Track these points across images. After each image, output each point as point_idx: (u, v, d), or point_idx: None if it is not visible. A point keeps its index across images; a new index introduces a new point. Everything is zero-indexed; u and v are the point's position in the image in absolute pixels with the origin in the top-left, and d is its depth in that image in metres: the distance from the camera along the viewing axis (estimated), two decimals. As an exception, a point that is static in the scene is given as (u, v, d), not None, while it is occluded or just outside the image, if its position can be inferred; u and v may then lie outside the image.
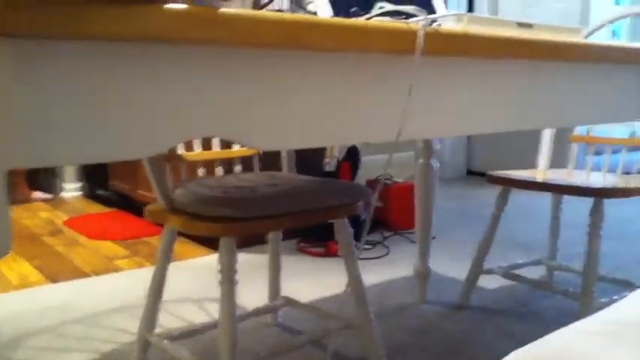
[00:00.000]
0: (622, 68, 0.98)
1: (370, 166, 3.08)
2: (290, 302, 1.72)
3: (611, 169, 1.95)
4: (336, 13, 0.89)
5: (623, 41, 5.71)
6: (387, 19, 0.65)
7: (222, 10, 0.51)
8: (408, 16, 0.70)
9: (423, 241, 1.97)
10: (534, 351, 0.61)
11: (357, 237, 2.71)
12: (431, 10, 1.11)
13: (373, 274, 2.29)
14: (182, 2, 0.51)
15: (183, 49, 0.53)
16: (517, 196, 3.54)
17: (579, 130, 2.05)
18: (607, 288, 2.02)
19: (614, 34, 5.24)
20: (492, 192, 1.90)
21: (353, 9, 0.80)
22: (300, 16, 0.57)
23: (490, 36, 0.66)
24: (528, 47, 0.69)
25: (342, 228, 1.40)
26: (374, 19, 0.66)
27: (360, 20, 0.61)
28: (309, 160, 2.36)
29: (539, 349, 0.61)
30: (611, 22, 1.88)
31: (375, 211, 2.89)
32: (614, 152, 2.31)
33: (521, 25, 0.80)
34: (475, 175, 4.58)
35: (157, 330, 1.46)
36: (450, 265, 2.39)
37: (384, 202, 2.86)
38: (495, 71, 0.73)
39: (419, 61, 0.60)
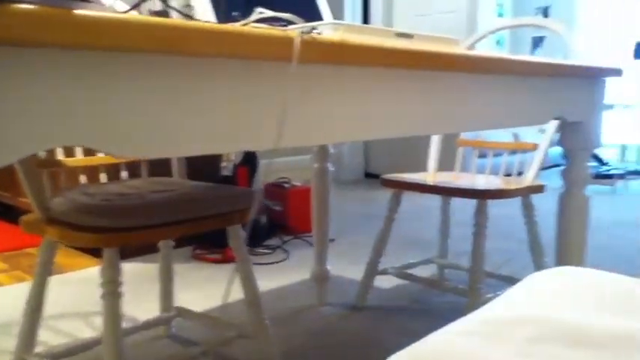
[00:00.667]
0: (503, 78, 1.03)
1: (269, 170, 3.07)
2: (183, 312, 1.67)
3: (496, 172, 2.06)
4: (219, 18, 0.86)
5: (504, 51, 6.10)
6: (264, 25, 0.64)
7: (79, 11, 0.47)
8: (288, 23, 0.70)
9: (321, 244, 1.98)
10: (414, 352, 0.62)
11: (257, 242, 2.69)
12: (318, 17, 1.11)
13: (272, 279, 2.28)
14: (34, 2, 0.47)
15: (34, 51, 0.48)
16: (413, 197, 3.68)
17: (466, 135, 2.16)
18: (494, 284, 2.13)
19: (498, 43, 5.58)
20: (390, 194, 1.94)
21: (234, 13, 0.78)
22: (169, 20, 0.55)
23: (366, 45, 0.67)
24: (404, 57, 0.71)
25: (236, 234, 1.37)
26: (251, 25, 0.65)
27: (236, 26, 0.59)
28: (205, 164, 2.30)
29: (419, 350, 0.62)
30: (492, 32, 1.99)
31: (274, 215, 2.88)
32: (499, 155, 2.45)
33: (400, 35, 0.82)
34: (373, 177, 4.70)
35: (39, 349, 1.36)
36: (349, 266, 2.43)
37: (282, 206, 2.86)
38: (374, 80, 0.74)
39: (296, 69, 0.60)
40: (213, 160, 2.41)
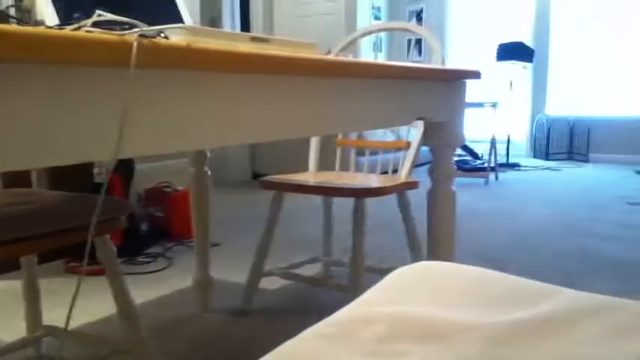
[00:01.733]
0: (363, 82, 1.05)
1: (148, 174, 2.95)
2: (52, 331, 1.56)
3: (383, 169, 2.13)
4: (62, 20, 0.81)
5: (381, 53, 6.33)
6: (98, 29, 0.60)
7: None
8: (131, 26, 0.66)
9: (202, 250, 1.94)
10: (275, 356, 0.61)
11: (137, 251, 2.58)
12: (179, 20, 1.08)
13: (154, 288, 2.19)
14: None
15: None
16: (299, 197, 3.72)
17: (346, 135, 2.20)
18: (376, 278, 2.20)
19: (376, 46, 5.79)
20: (283, 195, 1.93)
21: (76, 15, 0.73)
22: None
23: (213, 50, 0.65)
24: (253, 61, 0.70)
25: (103, 246, 1.30)
26: (85, 29, 0.61)
27: (66, 31, 0.55)
28: (76, 172, 2.17)
29: (279, 354, 0.61)
30: (362, 36, 2.05)
31: (155, 222, 2.78)
32: (382, 154, 2.52)
33: (255, 39, 0.81)
34: (262, 177, 4.68)
35: None
36: (236, 270, 2.40)
37: (164, 212, 2.76)
38: (225, 85, 0.73)
39: (134, 75, 0.57)
40: (84, 168, 2.28)
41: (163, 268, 2.42)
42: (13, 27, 0.47)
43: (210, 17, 4.12)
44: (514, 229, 3.15)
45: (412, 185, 1.93)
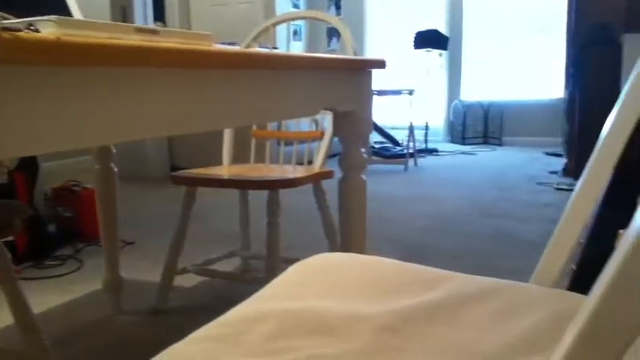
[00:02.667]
0: (263, 73, 1.03)
1: (56, 173, 2.80)
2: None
3: (296, 160, 2.11)
4: None
5: (301, 42, 6.31)
6: None
7: None
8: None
9: (111, 250, 1.86)
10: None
11: (45, 254, 2.45)
12: (66, 14, 1.01)
13: (64, 292, 2.09)
14: None
15: None
16: (215, 191, 3.65)
17: (261, 126, 2.18)
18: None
19: (296, 34, 5.77)
20: (199, 189, 1.88)
21: None
22: None
23: (85, 43, 0.61)
24: (132, 54, 0.66)
25: (-6, 253, 1.22)
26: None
27: None
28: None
29: (161, 359, 0.59)
30: (274, 25, 2.02)
31: (64, 222, 2.65)
32: (301, 143, 2.51)
33: (141, 30, 0.77)
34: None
35: None
36: (152, 269, 2.32)
37: (73, 212, 2.64)
38: (104, 79, 0.69)
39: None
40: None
41: (73, 271, 2.31)
42: None
43: (120, 8, 3.96)
44: (430, 213, 3.24)
45: (326, 175, 1.94)
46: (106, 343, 1.69)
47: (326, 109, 1.35)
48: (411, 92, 4.91)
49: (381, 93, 4.95)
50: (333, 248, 2.03)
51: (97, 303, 1.99)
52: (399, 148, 5.69)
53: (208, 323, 0.65)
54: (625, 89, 0.73)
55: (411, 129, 5.02)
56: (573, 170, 4.12)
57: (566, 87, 5.04)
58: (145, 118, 0.76)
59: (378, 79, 7.23)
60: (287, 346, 0.58)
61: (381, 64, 1.52)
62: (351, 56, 1.33)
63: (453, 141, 6.81)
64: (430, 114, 6.58)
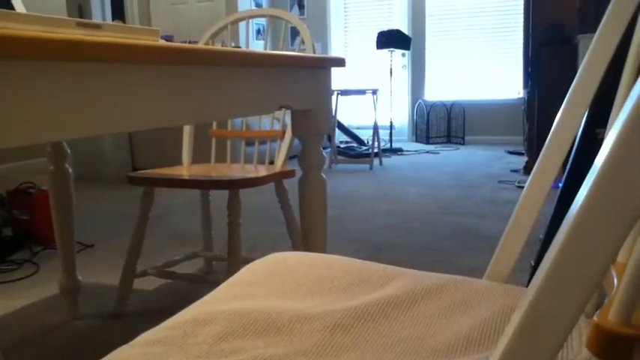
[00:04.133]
0: (212, 69, 1.01)
1: (10, 175, 2.72)
2: None
3: (258, 160, 2.09)
4: None
5: (263, 42, 6.29)
6: None
7: None
8: None
9: (67, 253, 1.81)
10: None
11: (1, 258, 2.38)
12: (10, 7, 0.98)
13: (20, 297, 2.03)
14: None
15: None
16: (177, 191, 3.60)
17: (220, 125, 2.15)
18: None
19: (259, 32, 5.74)
20: (159, 190, 1.84)
21: None
22: None
23: (15, 36, 0.59)
24: (73, 49, 0.64)
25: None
26: None
27: None
28: None
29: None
30: (233, 22, 2.00)
31: (20, 225, 2.57)
32: (261, 144, 2.49)
33: (82, 24, 0.74)
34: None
35: None
36: (110, 272, 2.28)
37: (29, 215, 2.56)
38: (48, 73, 0.66)
39: None
40: None
41: (30, 275, 2.24)
42: None
43: (77, 6, 3.87)
44: (394, 212, 3.26)
45: (288, 174, 1.93)
46: (63, 349, 1.64)
47: (282, 107, 1.34)
48: (374, 92, 4.93)
49: (344, 93, 4.96)
50: (296, 247, 2.02)
51: (54, 307, 1.93)
52: (364, 147, 5.72)
53: (156, 326, 0.63)
54: (572, 85, 0.74)
55: (376, 128, 5.05)
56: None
57: (525, 86, 5.15)
58: (81, 114, 0.73)
59: (343, 79, 7.24)
60: (235, 348, 0.57)
61: (340, 61, 1.52)
62: (307, 55, 1.32)
63: (417, 140, 6.88)
64: (394, 113, 6.63)
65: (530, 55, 4.72)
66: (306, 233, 1.54)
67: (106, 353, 1.68)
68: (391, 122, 6.14)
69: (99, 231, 2.88)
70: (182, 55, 0.84)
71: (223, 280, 1.78)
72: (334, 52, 7.08)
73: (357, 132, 6.15)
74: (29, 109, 0.63)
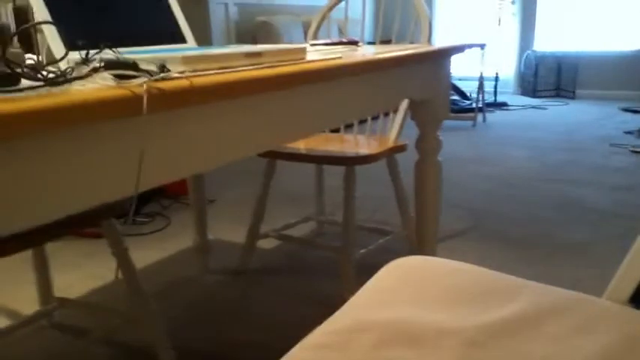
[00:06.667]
0: (354, 78, 1.11)
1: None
2: (64, 303, 1.66)
3: (363, 130, 2.18)
4: (67, 41, 0.85)
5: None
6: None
7: None
8: (137, 69, 0.71)
9: (199, 212, 2.02)
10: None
11: (135, 211, 2.66)
12: (178, 34, 1.11)
13: (154, 249, 2.29)
14: None
15: None
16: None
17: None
18: (365, 236, 2.31)
19: None
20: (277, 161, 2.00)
21: (80, 42, 0.77)
22: None
23: (216, 83, 0.71)
24: (255, 84, 0.77)
25: (107, 223, 1.38)
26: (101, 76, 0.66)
27: (81, 94, 0.60)
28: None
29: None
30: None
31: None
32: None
33: (249, 55, 0.86)
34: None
35: None
36: (231, 227, 2.50)
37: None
38: (230, 108, 0.79)
39: (146, 119, 0.63)
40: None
41: (162, 229, 2.51)
42: (33, 105, 0.53)
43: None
44: (496, 176, 3.26)
45: (400, 149, 2.00)
46: (196, 300, 1.87)
47: (406, 98, 1.41)
48: (482, 46, 4.80)
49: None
50: (404, 217, 2.12)
51: (186, 261, 2.18)
52: (467, 102, 5.62)
53: (315, 329, 0.76)
54: None
55: (481, 82, 4.94)
56: (651, 131, 3.98)
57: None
58: (265, 131, 0.87)
59: (450, 30, 6.97)
60: (389, 356, 0.69)
61: (460, 49, 1.55)
62: (429, 47, 1.38)
63: (523, 93, 6.63)
64: (501, 65, 6.41)
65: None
66: (420, 215, 1.63)
67: (233, 306, 1.90)
68: (496, 74, 5.95)
69: (218, 187, 3.12)
70: (332, 73, 0.95)
71: (338, 248, 1.92)
72: (441, 2, 6.87)
73: (459, 84, 6.03)
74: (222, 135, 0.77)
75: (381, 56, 1.15)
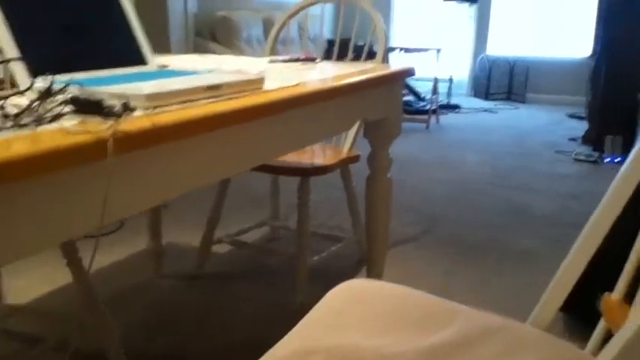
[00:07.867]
0: (308, 108, 1.16)
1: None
2: (14, 310, 1.66)
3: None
4: (33, 70, 0.87)
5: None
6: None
7: None
8: (101, 106, 0.75)
9: (153, 212, 2.05)
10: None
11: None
12: (136, 50, 1.13)
13: (105, 254, 2.29)
14: None
15: None
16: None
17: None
18: (319, 242, 2.38)
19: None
20: None
21: (47, 76, 0.80)
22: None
23: (178, 122, 0.76)
24: (216, 120, 0.82)
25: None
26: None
27: (47, 145, 0.63)
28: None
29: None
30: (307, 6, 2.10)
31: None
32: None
33: (210, 88, 0.90)
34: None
35: None
36: (185, 231, 2.51)
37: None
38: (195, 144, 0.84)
39: (110, 162, 0.66)
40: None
41: (114, 231, 2.50)
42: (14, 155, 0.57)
43: None
44: (450, 180, 3.37)
45: (354, 159, 2.07)
46: (149, 304, 1.89)
47: (360, 119, 1.47)
48: (438, 50, 4.93)
49: (408, 51, 4.97)
50: (356, 226, 2.20)
51: (140, 265, 2.19)
52: (422, 103, 5.74)
53: (265, 354, 0.81)
54: None
55: (436, 84, 5.07)
56: (593, 139, 4.18)
57: (595, 44, 5.01)
58: (225, 161, 0.92)
59: (406, 33, 7.06)
60: (332, 382, 0.75)
61: (410, 72, 1.62)
62: (382, 72, 1.44)
63: (476, 95, 6.82)
64: (455, 67, 6.57)
65: (604, 8, 4.54)
66: (370, 229, 1.70)
67: (187, 312, 1.94)
68: (451, 76, 6.10)
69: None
70: (289, 103, 1.00)
71: (292, 253, 1.98)
72: (399, 4, 6.98)
73: (413, 84, 6.16)
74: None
75: (337, 83, 1.21)
